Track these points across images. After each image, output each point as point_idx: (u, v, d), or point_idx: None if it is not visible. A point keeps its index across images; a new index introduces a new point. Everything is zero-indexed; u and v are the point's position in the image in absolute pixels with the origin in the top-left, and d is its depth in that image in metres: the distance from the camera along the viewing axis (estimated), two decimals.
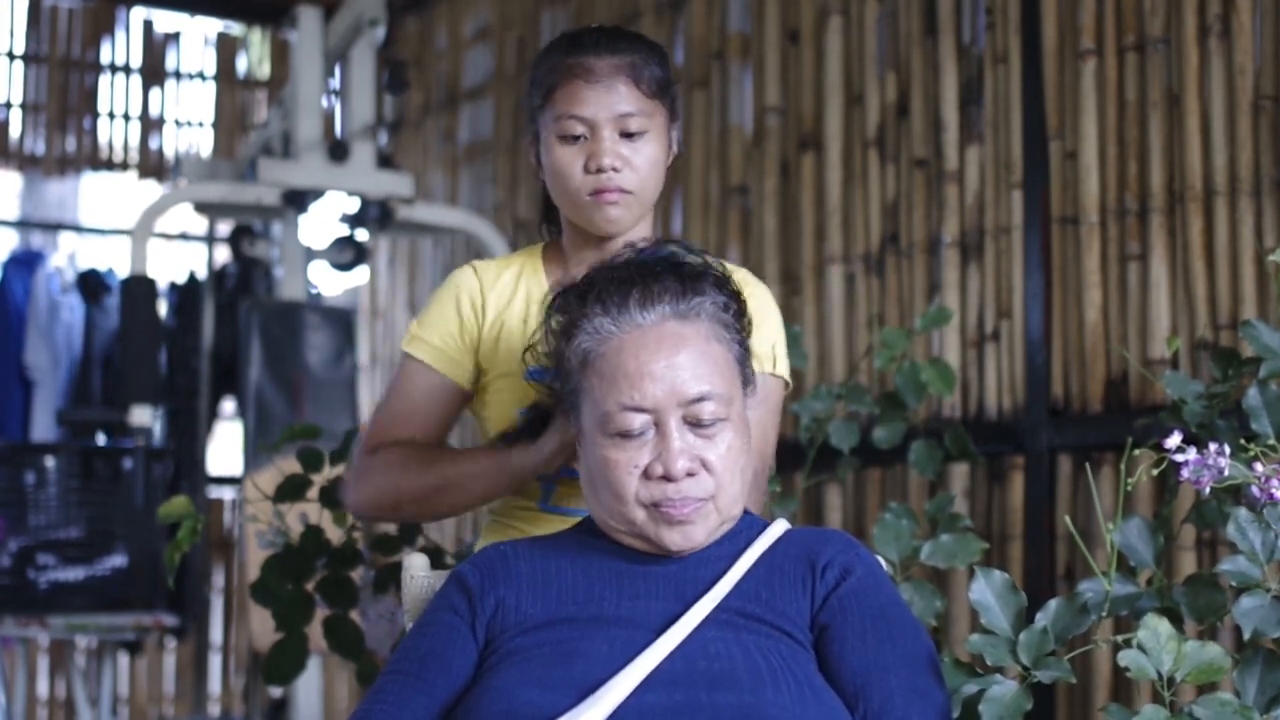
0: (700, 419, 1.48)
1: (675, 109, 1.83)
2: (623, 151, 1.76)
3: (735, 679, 1.38)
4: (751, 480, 1.67)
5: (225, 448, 5.63)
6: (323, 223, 4.46)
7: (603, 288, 1.54)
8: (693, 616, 1.45)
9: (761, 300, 1.83)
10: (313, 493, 2.42)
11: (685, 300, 1.52)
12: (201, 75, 6.01)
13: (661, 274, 1.54)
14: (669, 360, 1.48)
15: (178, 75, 5.96)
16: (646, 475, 1.47)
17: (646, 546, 1.51)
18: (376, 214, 4.35)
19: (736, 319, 1.57)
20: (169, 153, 5.90)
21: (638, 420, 1.47)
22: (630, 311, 1.51)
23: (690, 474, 1.47)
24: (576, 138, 1.76)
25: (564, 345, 1.55)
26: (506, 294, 1.85)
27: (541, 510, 1.84)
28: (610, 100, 1.75)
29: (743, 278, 1.81)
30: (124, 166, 5.85)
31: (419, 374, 1.85)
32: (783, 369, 1.84)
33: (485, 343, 1.84)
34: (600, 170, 1.75)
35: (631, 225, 1.80)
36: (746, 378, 1.57)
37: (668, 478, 1.46)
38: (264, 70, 6.08)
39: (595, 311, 1.52)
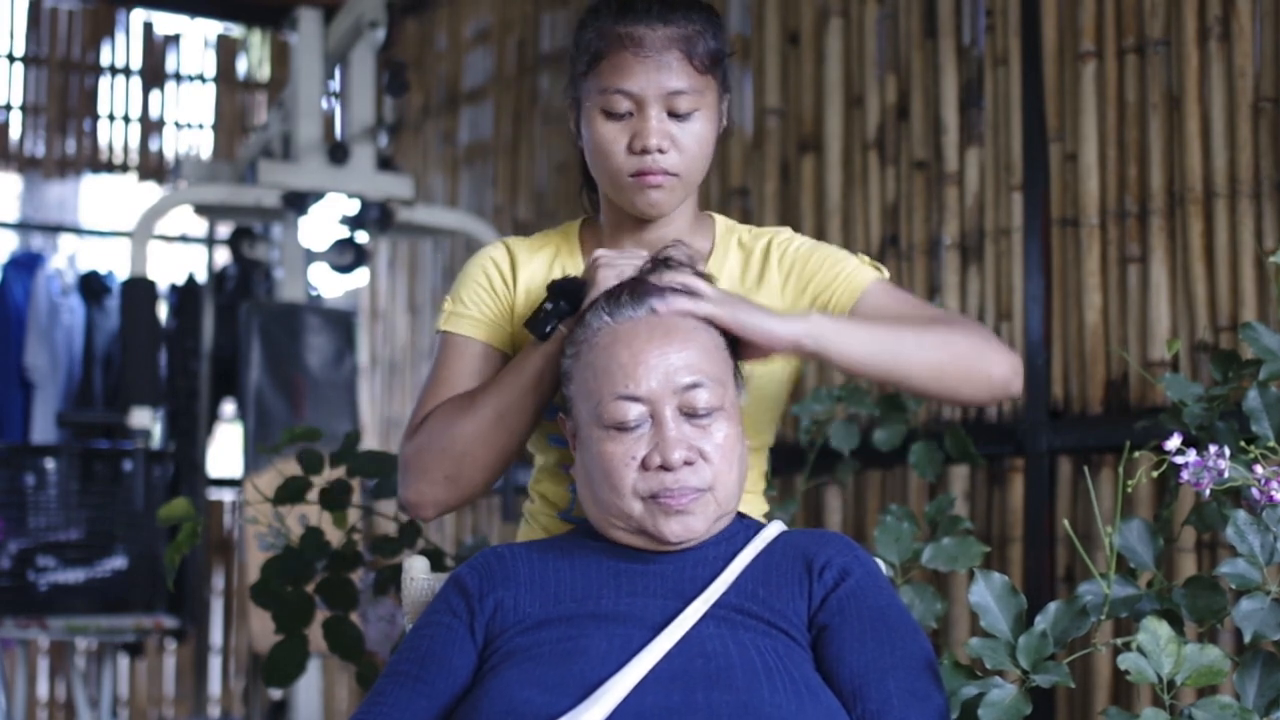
0: (695, 408, 1.48)
1: (727, 82, 1.72)
2: (670, 131, 1.65)
3: (731, 678, 1.38)
4: (982, 334, 1.66)
5: (225, 450, 5.63)
6: (323, 225, 4.45)
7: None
8: (691, 613, 1.45)
9: (816, 243, 1.82)
10: (313, 494, 2.42)
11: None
12: (201, 77, 6.02)
13: (650, 273, 1.57)
14: (661, 350, 1.49)
15: (178, 77, 5.96)
16: (644, 467, 1.47)
17: (645, 543, 1.51)
18: (376, 216, 4.35)
19: None
20: (169, 155, 5.91)
21: (633, 411, 1.48)
22: (622, 307, 1.53)
23: (688, 463, 1.47)
24: (621, 114, 1.65)
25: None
26: (540, 277, 1.75)
27: (561, 519, 1.76)
28: (660, 76, 1.63)
29: (786, 236, 1.82)
30: (124, 168, 5.85)
31: (461, 346, 1.73)
32: (879, 269, 1.76)
33: (519, 321, 1.73)
34: (645, 151, 1.64)
35: (674, 208, 1.71)
36: (737, 371, 1.57)
37: (665, 467, 1.46)
38: (264, 72, 6.08)
39: (587, 309, 1.56)
